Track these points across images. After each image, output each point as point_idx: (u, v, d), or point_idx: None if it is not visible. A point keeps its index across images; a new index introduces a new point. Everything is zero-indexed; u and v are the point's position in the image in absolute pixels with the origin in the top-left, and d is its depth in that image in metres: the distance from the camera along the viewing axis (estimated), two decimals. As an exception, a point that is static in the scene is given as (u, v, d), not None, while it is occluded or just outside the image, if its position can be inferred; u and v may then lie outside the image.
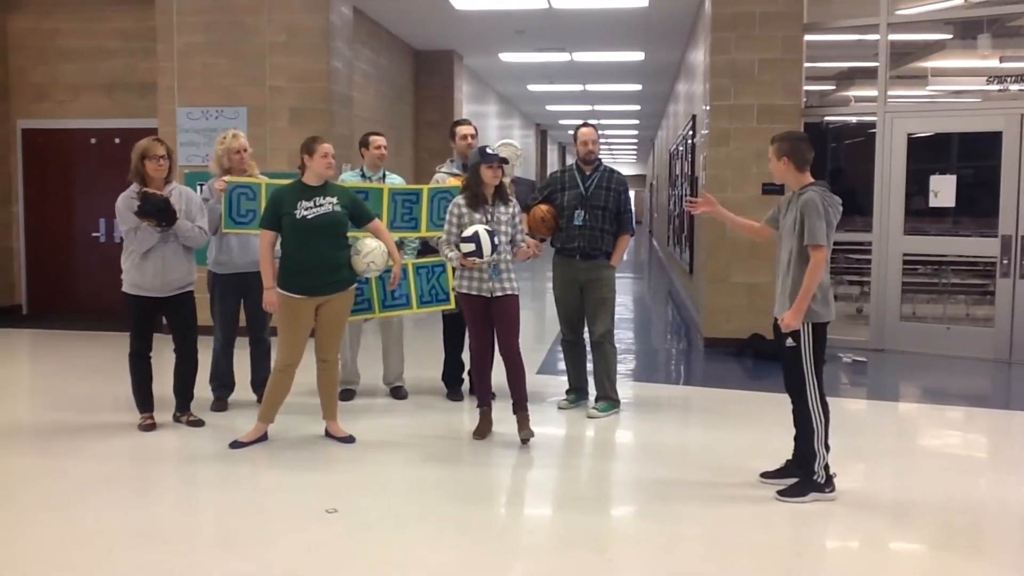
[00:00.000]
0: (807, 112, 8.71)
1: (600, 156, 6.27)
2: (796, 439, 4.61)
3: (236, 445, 5.22)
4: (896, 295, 8.60)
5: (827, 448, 4.46)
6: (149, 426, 5.60)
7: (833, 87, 10.83)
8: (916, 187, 8.52)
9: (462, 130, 6.51)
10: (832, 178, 9.95)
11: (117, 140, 9.80)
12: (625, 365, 8.09)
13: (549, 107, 23.04)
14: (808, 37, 8.63)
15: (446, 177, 6.40)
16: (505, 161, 5.42)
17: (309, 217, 5.10)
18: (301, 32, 8.93)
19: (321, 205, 5.14)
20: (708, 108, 8.75)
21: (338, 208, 5.20)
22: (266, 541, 3.94)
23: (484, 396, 5.62)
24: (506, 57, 15.20)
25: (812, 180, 4.55)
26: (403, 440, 5.53)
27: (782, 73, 8.49)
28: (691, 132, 11.76)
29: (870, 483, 5.03)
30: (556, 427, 5.99)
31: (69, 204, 10.18)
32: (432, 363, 6.84)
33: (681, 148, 14.29)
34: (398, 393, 6.61)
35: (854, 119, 9.54)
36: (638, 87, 18.66)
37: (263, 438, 5.33)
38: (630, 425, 6.28)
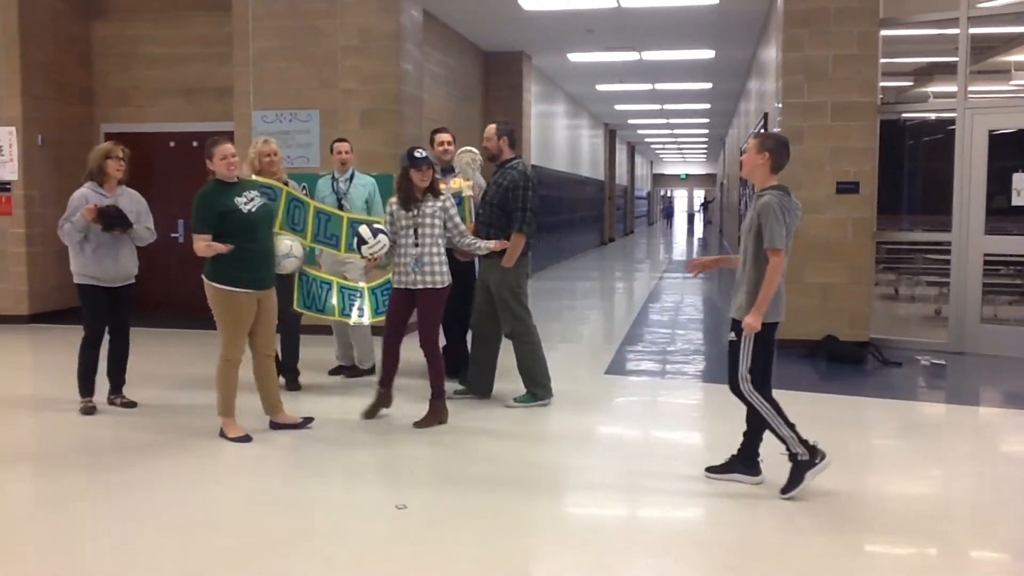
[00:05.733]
0: (883, 109, 8.52)
1: (502, 154, 6.28)
2: (745, 434, 4.65)
3: (245, 439, 5.38)
4: (976, 296, 8.35)
5: (790, 426, 4.41)
6: (91, 408, 6.01)
7: (911, 83, 10.57)
8: (998, 185, 8.26)
9: (439, 137, 7.00)
10: (910, 177, 9.72)
11: (195, 143, 10.07)
12: (695, 366, 8.02)
13: (618, 106, 22.95)
14: (884, 32, 8.43)
15: None
16: (429, 163, 5.64)
17: (253, 210, 5.33)
18: (372, 35, 9.06)
19: (253, 199, 5.36)
20: (780, 106, 8.61)
21: (265, 199, 5.51)
22: (336, 536, 4.02)
23: (384, 377, 5.86)
24: (575, 57, 15.19)
25: (775, 184, 4.49)
26: (462, 434, 5.59)
27: (857, 69, 8.31)
28: (763, 130, 11.60)
29: (948, 489, 4.90)
30: (624, 426, 5.99)
31: (149, 205, 10.46)
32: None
33: (752, 147, 14.08)
34: (356, 372, 7.19)
35: (933, 116, 9.29)
36: (708, 85, 18.47)
37: (247, 438, 5.39)
38: (700, 426, 6.25)
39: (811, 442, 4.43)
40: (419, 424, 5.70)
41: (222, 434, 5.42)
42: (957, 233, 8.36)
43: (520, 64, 14.93)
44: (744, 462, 4.66)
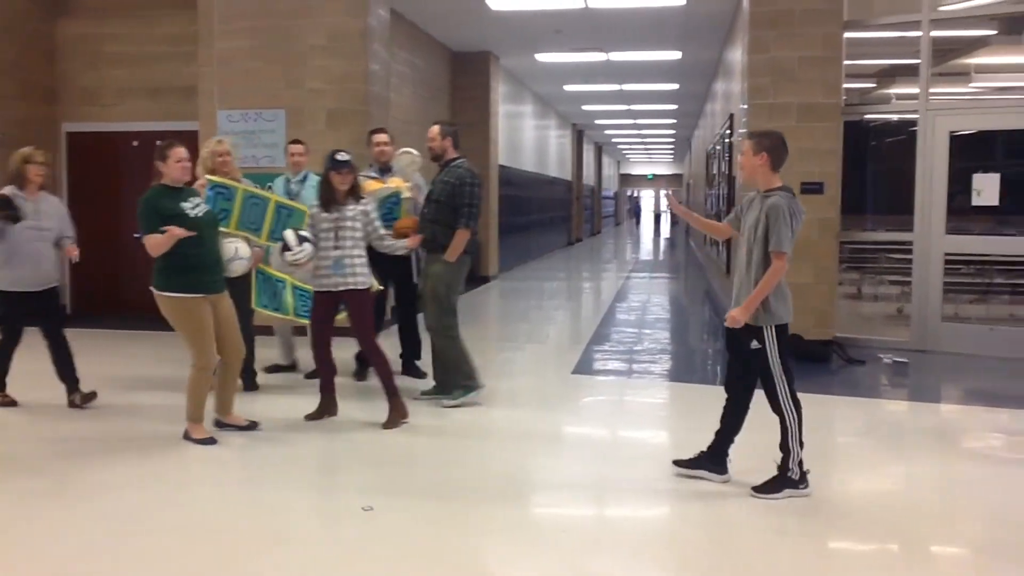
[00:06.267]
0: (847, 110, 8.62)
1: (448, 153, 6.28)
2: (717, 433, 4.67)
3: (209, 441, 5.33)
4: (938, 295, 8.48)
5: (801, 445, 4.46)
6: (11, 402, 6.17)
7: (874, 85, 10.71)
8: (959, 186, 8.39)
9: (376, 138, 7.14)
10: (873, 177, 9.85)
11: (159, 142, 9.93)
12: (661, 365, 8.07)
13: (585, 107, 23.01)
14: (848, 34, 8.53)
15: (364, 180, 6.62)
16: (350, 167, 5.65)
17: (200, 215, 5.29)
18: (340, 35, 9.01)
19: (198, 204, 5.35)
20: (746, 107, 8.69)
21: (209, 206, 5.56)
22: (301, 543, 3.99)
23: (325, 383, 5.90)
24: (542, 57, 15.21)
25: (780, 184, 4.50)
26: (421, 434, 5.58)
27: (822, 71, 8.40)
28: (729, 131, 11.69)
29: (910, 486, 4.97)
30: (591, 426, 6.00)
31: (113, 205, 10.35)
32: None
33: (718, 147, 14.21)
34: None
35: (895, 117, 9.41)
36: (675, 86, 18.58)
37: (211, 440, 5.34)
38: (665, 425, 6.28)
39: (806, 469, 4.47)
40: (386, 425, 5.67)
41: (186, 436, 5.36)
42: (919, 233, 8.48)
43: (488, 64, 14.93)
44: (712, 460, 4.69)
